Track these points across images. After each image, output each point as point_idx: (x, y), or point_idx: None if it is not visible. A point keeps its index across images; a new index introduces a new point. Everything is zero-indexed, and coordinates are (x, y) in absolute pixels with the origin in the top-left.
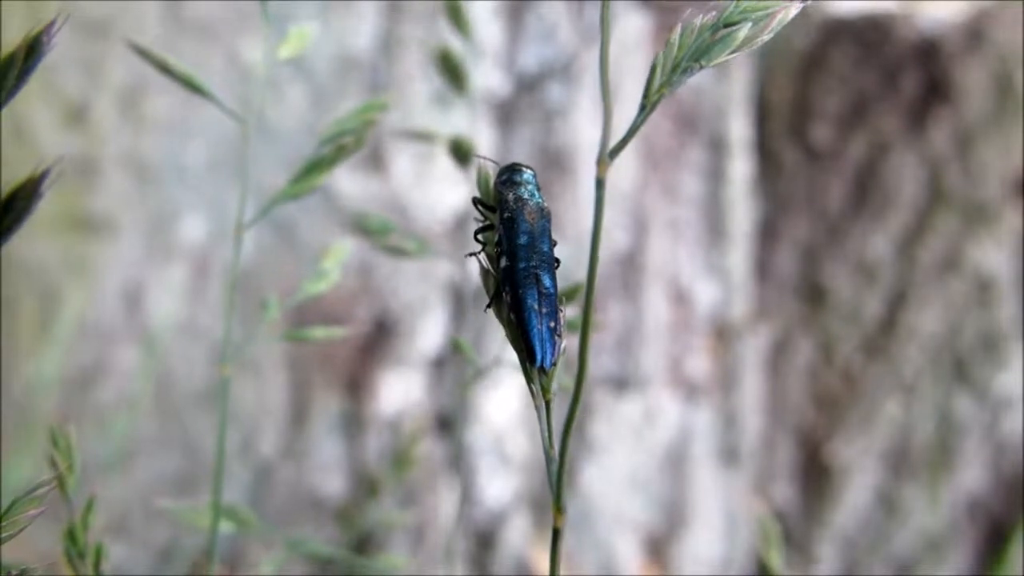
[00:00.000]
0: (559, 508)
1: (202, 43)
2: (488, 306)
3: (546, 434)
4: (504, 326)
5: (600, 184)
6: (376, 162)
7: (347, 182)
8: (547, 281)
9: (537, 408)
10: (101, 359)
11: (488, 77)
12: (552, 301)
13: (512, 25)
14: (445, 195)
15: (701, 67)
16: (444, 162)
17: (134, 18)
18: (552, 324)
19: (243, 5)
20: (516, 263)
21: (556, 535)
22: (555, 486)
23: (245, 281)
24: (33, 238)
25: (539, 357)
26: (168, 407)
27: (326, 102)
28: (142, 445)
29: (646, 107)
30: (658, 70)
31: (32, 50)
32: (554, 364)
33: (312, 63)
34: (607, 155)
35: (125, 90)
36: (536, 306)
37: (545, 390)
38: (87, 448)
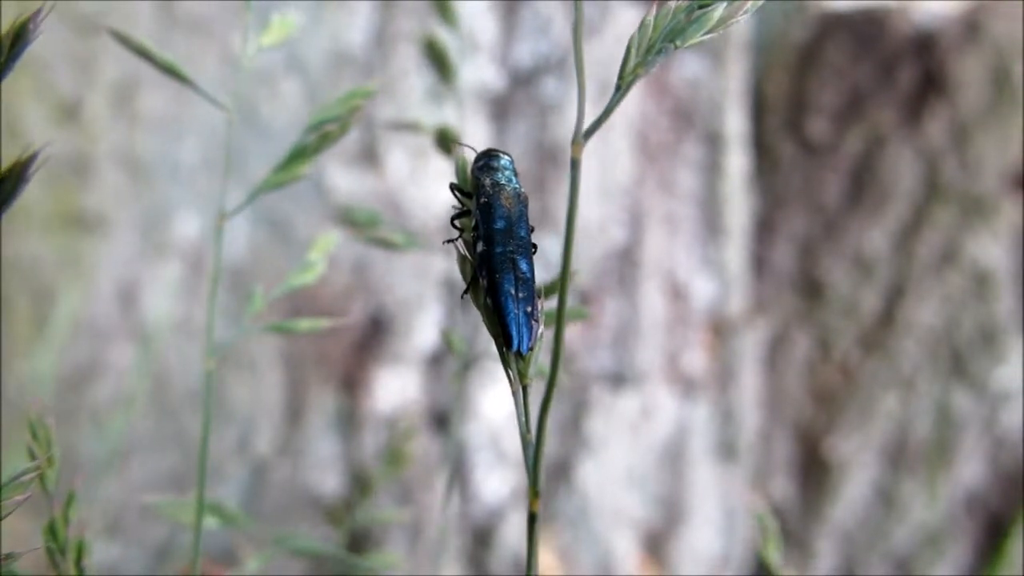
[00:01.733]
0: (535, 492)
1: (195, 39)
2: (465, 292)
3: (523, 419)
4: (480, 311)
5: (575, 164)
6: (371, 159)
7: (342, 179)
8: (524, 266)
9: (514, 393)
10: (96, 357)
11: (483, 71)
12: (529, 286)
13: (506, 20)
14: (440, 192)
15: (676, 47)
16: (439, 159)
17: (126, 15)
18: (529, 309)
19: (235, 2)
20: (493, 248)
21: (532, 520)
22: (531, 470)
23: (240, 279)
24: (26, 236)
25: (515, 342)
26: (164, 405)
27: (320, 98)
28: (138, 444)
29: (620, 88)
30: (632, 51)
31: (18, 38)
32: (531, 349)
33: (305, 59)
34: (581, 136)
35: (117, 87)
36: (513, 291)
37: (522, 375)
38: (83, 447)
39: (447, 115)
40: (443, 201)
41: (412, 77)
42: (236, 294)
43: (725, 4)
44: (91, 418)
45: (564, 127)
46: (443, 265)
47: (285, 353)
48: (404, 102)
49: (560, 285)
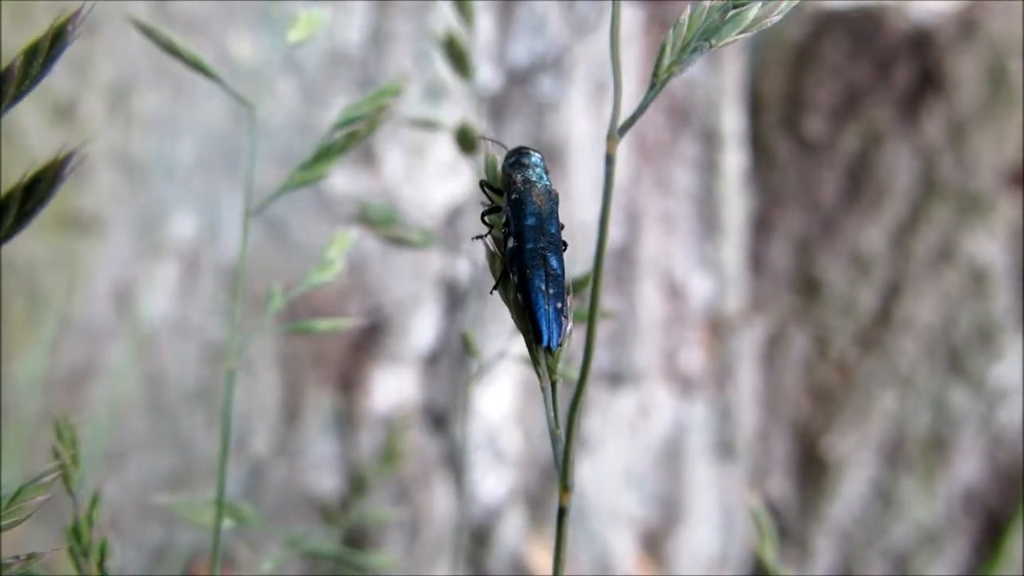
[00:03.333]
0: (565, 487)
1: (191, 38)
2: (495, 288)
3: (552, 415)
4: (510, 307)
5: (610, 160)
6: (368, 158)
7: (339, 178)
8: (555, 263)
9: (543, 389)
10: (91, 358)
11: (480, 71)
12: (559, 283)
13: (503, 19)
14: (437, 191)
15: (711, 46)
16: (436, 157)
17: (122, 14)
18: (559, 305)
19: (231, 2)
20: (524, 244)
21: (562, 514)
22: (561, 465)
23: (235, 279)
24: (22, 237)
25: (546, 338)
26: (159, 406)
27: (317, 97)
28: (133, 444)
29: (656, 85)
30: (667, 49)
31: (58, 38)
32: (560, 345)
33: (302, 59)
34: (616, 132)
35: (113, 87)
36: (543, 287)
37: (551, 371)
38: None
39: (445, 114)
40: (439, 200)
41: (409, 76)
42: (231, 293)
43: (760, 3)
44: (86, 419)
45: (560, 126)
46: (440, 265)
47: (282, 353)
48: (401, 101)
49: (594, 279)
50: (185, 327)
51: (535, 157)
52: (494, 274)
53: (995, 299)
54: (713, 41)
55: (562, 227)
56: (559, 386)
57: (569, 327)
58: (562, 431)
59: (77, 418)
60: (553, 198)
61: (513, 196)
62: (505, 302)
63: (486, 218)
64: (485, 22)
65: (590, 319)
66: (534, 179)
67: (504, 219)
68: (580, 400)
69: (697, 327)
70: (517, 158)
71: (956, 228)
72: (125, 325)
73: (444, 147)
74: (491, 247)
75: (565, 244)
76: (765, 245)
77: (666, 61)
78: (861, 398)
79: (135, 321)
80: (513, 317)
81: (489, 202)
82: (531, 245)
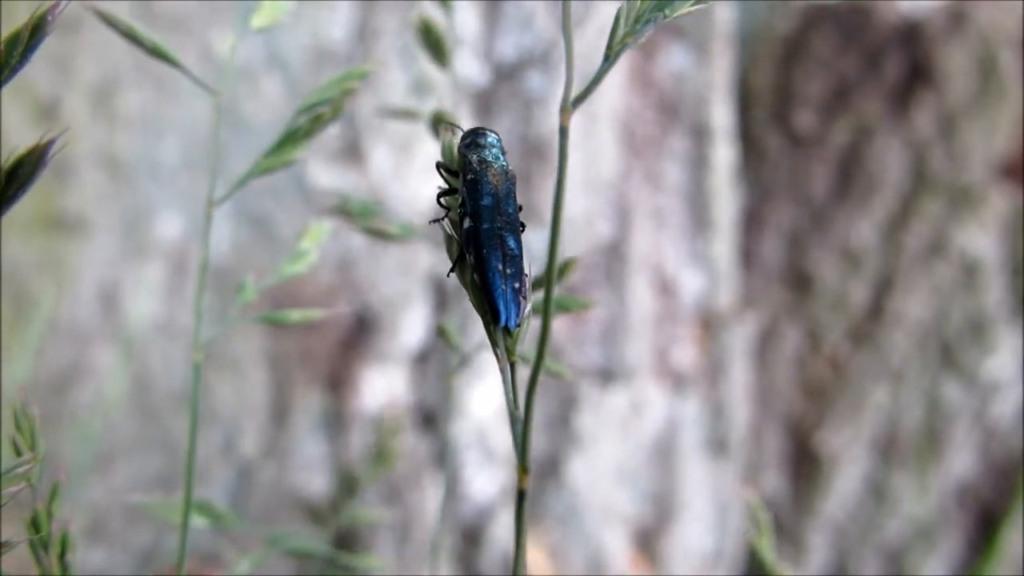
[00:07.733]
0: (524, 468)
1: (174, 37)
2: (451, 270)
3: (511, 395)
4: (467, 289)
5: (564, 132)
6: (354, 155)
7: (325, 175)
8: (512, 243)
9: (502, 370)
10: (77, 360)
11: (466, 66)
12: (517, 263)
13: (489, 14)
14: (424, 187)
15: (665, 17)
16: (423, 153)
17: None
18: (517, 285)
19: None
20: (480, 224)
21: (521, 497)
22: (520, 446)
23: (222, 278)
24: (6, 238)
25: (503, 318)
26: (147, 408)
27: (302, 95)
28: (121, 446)
29: (609, 57)
30: (621, 20)
31: (37, 28)
32: (519, 325)
33: (286, 55)
34: (570, 104)
35: (96, 86)
36: (500, 267)
37: (510, 352)
38: (65, 450)
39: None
40: (427, 197)
41: (394, 72)
42: (218, 294)
43: None
44: (73, 421)
45: (548, 121)
46: (429, 262)
47: (270, 353)
48: (386, 96)
49: (551, 246)
50: (172, 328)
51: (491, 137)
52: (451, 256)
53: (987, 292)
54: (667, 12)
55: (520, 208)
56: (518, 367)
57: (528, 307)
58: (521, 412)
59: (64, 421)
60: (510, 178)
61: (469, 176)
62: (463, 284)
63: (442, 200)
64: (471, 17)
65: (546, 294)
66: (490, 159)
67: (460, 200)
68: (536, 379)
69: (689, 323)
70: (473, 138)
71: (947, 221)
72: (111, 326)
73: (432, 143)
74: (448, 229)
75: (523, 225)
76: (756, 240)
77: (620, 32)
78: (853, 393)
79: (121, 322)
80: (471, 298)
81: (446, 184)
82: (487, 225)
